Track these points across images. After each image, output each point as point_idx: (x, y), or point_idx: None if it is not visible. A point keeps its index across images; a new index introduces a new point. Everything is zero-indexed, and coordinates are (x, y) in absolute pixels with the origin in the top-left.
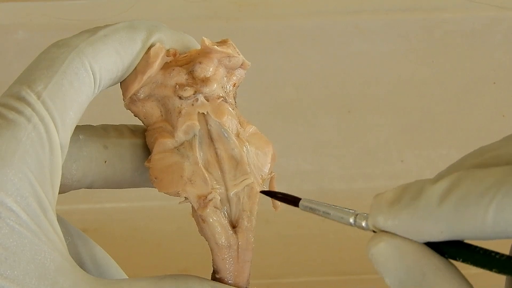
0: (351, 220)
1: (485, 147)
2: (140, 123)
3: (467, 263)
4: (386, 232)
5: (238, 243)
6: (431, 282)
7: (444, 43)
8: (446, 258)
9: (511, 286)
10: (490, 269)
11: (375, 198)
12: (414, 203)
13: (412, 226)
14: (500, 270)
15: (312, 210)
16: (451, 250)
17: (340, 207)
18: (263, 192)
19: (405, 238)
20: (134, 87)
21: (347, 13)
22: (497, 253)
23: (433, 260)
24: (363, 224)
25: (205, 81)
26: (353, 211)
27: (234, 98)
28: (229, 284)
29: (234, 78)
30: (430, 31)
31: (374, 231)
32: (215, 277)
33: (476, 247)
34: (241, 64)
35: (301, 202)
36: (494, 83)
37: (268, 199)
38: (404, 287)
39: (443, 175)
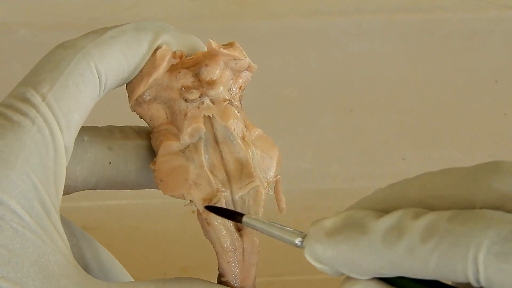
0: (297, 242)
1: (428, 181)
2: (145, 124)
3: None
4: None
5: (244, 246)
6: None
7: (445, 43)
8: None
9: None
10: None
11: (313, 226)
12: (355, 237)
13: (351, 260)
14: None
15: (255, 227)
16: (402, 281)
17: (286, 227)
18: (206, 207)
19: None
20: (140, 89)
21: (348, 13)
22: (447, 286)
23: None
24: None
25: (211, 84)
26: (299, 232)
27: (240, 100)
28: None
29: (240, 80)
30: (431, 30)
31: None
32: (221, 280)
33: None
34: (247, 67)
35: (244, 219)
36: (496, 81)
37: (273, 200)
38: None
39: (384, 202)
